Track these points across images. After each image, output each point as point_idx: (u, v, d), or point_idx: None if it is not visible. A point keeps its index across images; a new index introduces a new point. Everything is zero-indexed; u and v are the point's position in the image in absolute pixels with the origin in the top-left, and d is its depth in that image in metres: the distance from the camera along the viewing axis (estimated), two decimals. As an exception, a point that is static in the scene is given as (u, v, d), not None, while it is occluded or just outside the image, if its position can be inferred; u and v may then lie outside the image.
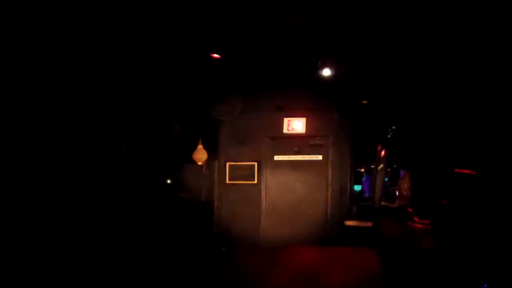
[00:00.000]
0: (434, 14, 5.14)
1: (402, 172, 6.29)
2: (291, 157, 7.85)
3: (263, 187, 7.88)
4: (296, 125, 7.84)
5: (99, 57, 6.44)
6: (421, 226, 4.80)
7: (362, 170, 8.52)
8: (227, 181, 8.01)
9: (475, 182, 4.71)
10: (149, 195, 7.55)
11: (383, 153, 6.94)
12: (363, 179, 8.63)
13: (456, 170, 4.88)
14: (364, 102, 7.81)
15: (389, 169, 6.54)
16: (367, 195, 8.39)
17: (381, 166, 6.91)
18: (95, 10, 5.28)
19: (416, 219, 4.89)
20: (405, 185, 5.90)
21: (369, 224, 6.94)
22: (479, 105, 5.29)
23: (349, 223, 7.08)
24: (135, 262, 6.09)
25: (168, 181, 8.13)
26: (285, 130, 7.87)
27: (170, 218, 7.63)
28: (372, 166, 8.08)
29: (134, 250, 6.50)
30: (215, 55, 7.56)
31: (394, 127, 6.72)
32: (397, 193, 6.20)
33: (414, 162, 5.77)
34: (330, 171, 7.67)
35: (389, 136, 6.70)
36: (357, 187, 8.34)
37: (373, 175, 7.19)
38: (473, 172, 4.76)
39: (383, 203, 6.37)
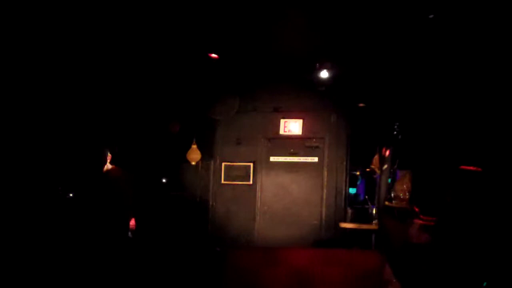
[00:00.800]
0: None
1: (399, 174, 6.31)
2: (287, 159, 7.83)
3: (258, 188, 7.86)
4: (292, 126, 7.83)
5: (93, 56, 6.43)
6: (426, 223, 4.80)
7: (358, 173, 8.52)
8: (223, 181, 7.99)
9: (481, 179, 4.72)
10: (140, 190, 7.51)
11: (387, 153, 6.95)
12: (358, 182, 8.63)
13: (462, 167, 4.88)
14: (361, 105, 7.82)
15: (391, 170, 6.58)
16: (362, 198, 8.38)
17: (385, 166, 6.93)
18: (87, 9, 5.26)
19: (421, 216, 4.89)
20: (404, 186, 5.90)
21: (364, 226, 6.95)
22: (483, 102, 5.31)
23: (344, 225, 7.07)
24: (127, 261, 6.04)
25: (164, 180, 8.10)
26: (281, 131, 7.86)
27: (165, 216, 7.60)
28: (368, 170, 8.10)
29: (125, 249, 6.47)
30: (213, 55, 7.56)
31: (397, 125, 6.74)
32: (392, 194, 6.22)
33: (418, 159, 5.77)
34: (325, 173, 7.67)
35: (394, 133, 6.71)
36: (352, 190, 8.33)
37: (381, 175, 7.20)
38: (479, 169, 4.76)
39: (386, 203, 6.39)
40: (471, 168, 4.79)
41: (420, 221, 4.81)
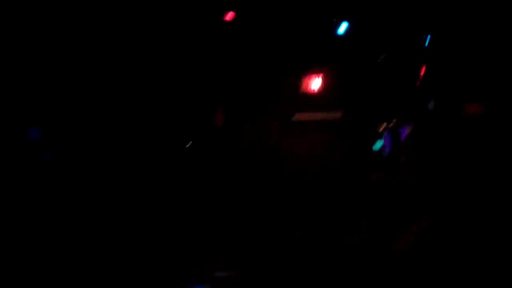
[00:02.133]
0: None
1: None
2: (311, 116, 7.77)
3: (282, 146, 7.79)
4: (314, 83, 7.77)
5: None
6: (476, 110, 4.84)
7: (383, 126, 8.49)
8: (245, 144, 7.93)
9: None
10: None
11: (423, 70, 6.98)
12: (384, 134, 8.60)
13: None
14: (382, 58, 7.83)
15: None
16: (388, 150, 8.34)
17: None
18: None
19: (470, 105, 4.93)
20: None
21: (393, 176, 7.01)
22: None
23: (374, 176, 7.11)
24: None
25: (189, 144, 8.01)
26: (304, 88, 7.80)
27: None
28: (391, 124, 8.12)
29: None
30: (228, 17, 7.58)
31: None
32: None
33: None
34: (350, 127, 7.65)
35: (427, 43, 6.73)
36: (379, 143, 8.31)
37: None
38: None
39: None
40: None
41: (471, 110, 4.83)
